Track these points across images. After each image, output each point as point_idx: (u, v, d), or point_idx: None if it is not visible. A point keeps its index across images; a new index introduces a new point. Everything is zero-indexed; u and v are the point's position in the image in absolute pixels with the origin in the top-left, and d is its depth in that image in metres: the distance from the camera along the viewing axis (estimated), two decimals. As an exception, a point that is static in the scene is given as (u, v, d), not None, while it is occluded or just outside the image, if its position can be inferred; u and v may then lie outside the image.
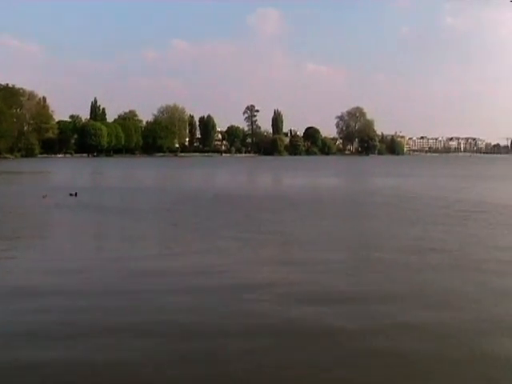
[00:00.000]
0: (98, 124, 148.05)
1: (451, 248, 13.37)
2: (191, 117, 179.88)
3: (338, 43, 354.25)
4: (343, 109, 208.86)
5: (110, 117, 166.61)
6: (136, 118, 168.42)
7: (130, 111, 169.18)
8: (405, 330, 7.46)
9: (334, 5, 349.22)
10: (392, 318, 7.95)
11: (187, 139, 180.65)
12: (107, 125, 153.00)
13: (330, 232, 16.30)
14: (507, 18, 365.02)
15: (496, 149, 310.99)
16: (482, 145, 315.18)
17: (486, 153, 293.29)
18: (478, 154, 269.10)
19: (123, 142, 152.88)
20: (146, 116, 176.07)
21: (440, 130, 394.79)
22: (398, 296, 9.16)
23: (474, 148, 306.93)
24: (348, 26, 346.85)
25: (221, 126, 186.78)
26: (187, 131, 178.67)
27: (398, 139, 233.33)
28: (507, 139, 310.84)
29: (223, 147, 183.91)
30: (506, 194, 31.87)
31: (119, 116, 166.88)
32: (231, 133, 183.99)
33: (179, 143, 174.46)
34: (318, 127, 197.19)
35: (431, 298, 9.01)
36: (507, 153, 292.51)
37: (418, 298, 9.04)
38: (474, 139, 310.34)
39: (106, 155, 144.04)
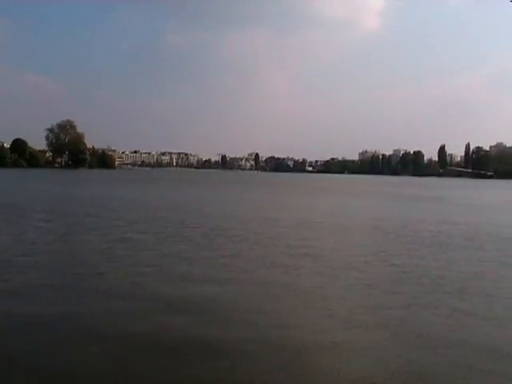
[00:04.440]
0: None
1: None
2: None
3: (60, 55, 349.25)
4: (58, 121, 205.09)
5: None
6: None
7: None
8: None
9: (59, 17, 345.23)
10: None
11: None
12: None
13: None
14: (226, 41, 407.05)
15: (207, 164, 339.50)
16: (193, 160, 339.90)
17: (198, 168, 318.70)
18: (189, 169, 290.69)
19: None
20: None
21: (154, 145, 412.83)
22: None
23: (185, 163, 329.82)
24: (71, 40, 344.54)
25: None
26: None
27: (110, 153, 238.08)
28: (218, 155, 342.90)
29: None
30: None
31: None
32: None
33: None
34: (28, 139, 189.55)
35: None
36: (217, 168, 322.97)
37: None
38: (186, 154, 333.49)
39: None
